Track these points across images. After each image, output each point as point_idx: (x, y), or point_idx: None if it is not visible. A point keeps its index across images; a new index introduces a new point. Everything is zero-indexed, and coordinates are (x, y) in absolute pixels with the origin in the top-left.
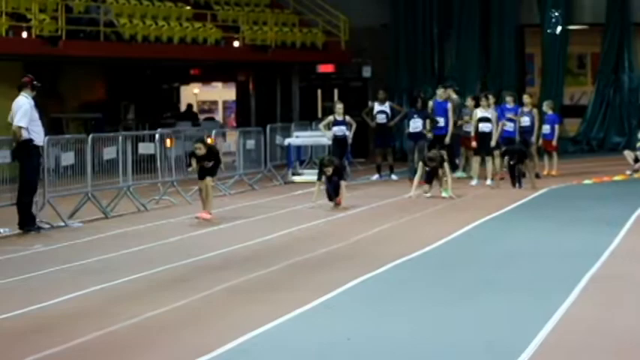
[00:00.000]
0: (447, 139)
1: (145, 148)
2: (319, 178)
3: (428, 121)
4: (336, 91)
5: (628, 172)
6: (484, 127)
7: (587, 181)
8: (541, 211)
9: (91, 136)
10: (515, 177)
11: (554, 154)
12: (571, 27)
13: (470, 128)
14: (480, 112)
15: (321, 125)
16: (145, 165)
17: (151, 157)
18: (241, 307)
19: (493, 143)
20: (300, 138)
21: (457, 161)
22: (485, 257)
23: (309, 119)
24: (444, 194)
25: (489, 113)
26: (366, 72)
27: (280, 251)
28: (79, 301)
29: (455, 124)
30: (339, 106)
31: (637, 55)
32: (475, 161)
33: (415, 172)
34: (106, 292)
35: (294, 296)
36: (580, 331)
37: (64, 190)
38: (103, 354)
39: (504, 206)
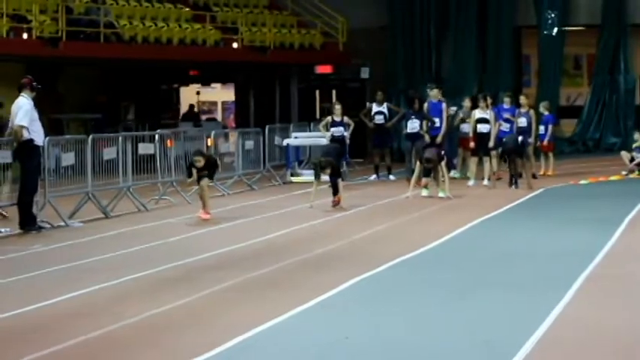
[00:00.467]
0: (440, 139)
1: (145, 149)
2: (316, 178)
3: (425, 122)
4: (334, 92)
5: (624, 173)
6: (482, 127)
7: (583, 181)
8: (538, 211)
9: (91, 136)
10: (512, 177)
11: (551, 155)
12: (567, 28)
13: (467, 129)
14: (478, 113)
15: (320, 126)
16: (144, 165)
17: (151, 158)
18: (240, 306)
19: (491, 144)
20: (298, 138)
21: (455, 161)
22: (482, 257)
23: (307, 120)
24: (440, 194)
25: (487, 114)
26: (364, 73)
27: (279, 251)
28: (79, 300)
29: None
30: (338, 107)
31: (632, 57)
32: (473, 162)
33: (413, 172)
34: (106, 291)
35: (292, 295)
36: (576, 329)
37: (65, 190)
38: (102, 353)
39: (501, 206)
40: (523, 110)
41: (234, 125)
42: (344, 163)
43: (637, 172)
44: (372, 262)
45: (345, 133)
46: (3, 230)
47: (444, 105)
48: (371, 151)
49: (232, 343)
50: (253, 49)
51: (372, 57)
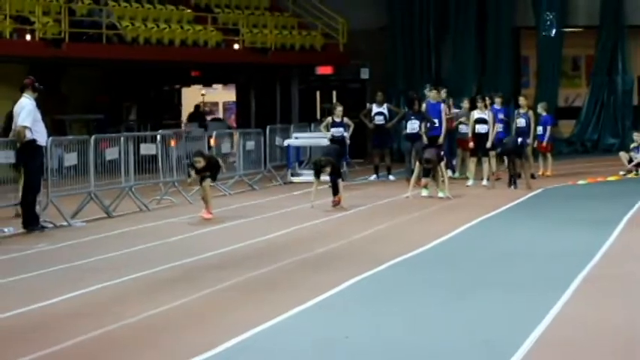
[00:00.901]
0: (441, 139)
1: (147, 149)
2: (317, 178)
3: (424, 123)
4: (334, 93)
5: (621, 173)
6: (481, 128)
7: (581, 182)
8: (536, 211)
9: (93, 136)
10: (511, 177)
11: (549, 155)
12: (566, 29)
13: (466, 130)
14: (476, 114)
15: (321, 126)
16: (146, 165)
17: (153, 158)
18: (241, 305)
19: (489, 144)
20: (299, 139)
21: (454, 162)
22: (481, 256)
23: (308, 120)
24: (440, 195)
25: (486, 115)
26: (364, 74)
27: (279, 250)
28: (81, 299)
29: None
30: (339, 109)
31: (630, 58)
32: (472, 162)
33: (412, 172)
34: (108, 290)
35: (292, 295)
36: (575, 329)
37: (67, 190)
38: (102, 353)
39: (500, 206)
40: (522, 111)
41: (235, 126)
42: (344, 163)
43: (634, 173)
44: (372, 262)
45: (345, 134)
46: (6, 230)
47: (442, 106)
48: (371, 152)
49: (232, 342)
50: (254, 51)
51: (371, 58)
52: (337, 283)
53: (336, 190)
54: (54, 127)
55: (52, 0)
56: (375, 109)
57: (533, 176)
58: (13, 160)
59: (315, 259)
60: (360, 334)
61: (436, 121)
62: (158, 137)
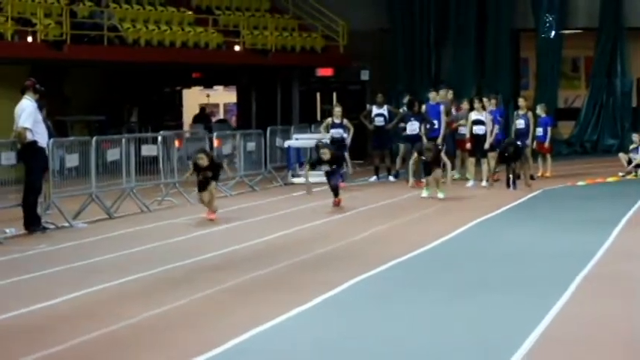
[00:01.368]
0: (440, 140)
1: (148, 150)
2: (312, 165)
3: (423, 124)
4: (334, 95)
5: (620, 174)
6: (478, 129)
7: (580, 183)
8: (536, 212)
9: (95, 138)
10: (510, 178)
11: (548, 156)
12: (565, 31)
13: (465, 131)
14: (474, 115)
15: (321, 127)
16: (147, 166)
17: (154, 159)
18: (241, 306)
19: (487, 145)
20: (299, 140)
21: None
22: (481, 257)
23: (308, 122)
24: (440, 195)
25: (483, 116)
26: (364, 75)
27: (280, 251)
28: (82, 300)
29: (449, 125)
30: (338, 110)
31: (629, 59)
32: (471, 163)
33: (413, 174)
34: (110, 291)
35: (292, 296)
36: (574, 328)
37: (69, 191)
38: (104, 353)
39: (500, 207)
40: (521, 112)
41: (235, 127)
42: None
43: (634, 174)
44: (372, 263)
45: (345, 135)
46: (8, 231)
47: (442, 107)
48: (371, 153)
49: (231, 343)
50: (255, 52)
51: (372, 59)
52: (337, 284)
53: (336, 192)
54: (55, 129)
55: (53, 2)
56: (375, 110)
57: (532, 177)
58: (14, 162)
59: (315, 260)
60: (361, 335)
61: (435, 122)
62: (159, 138)
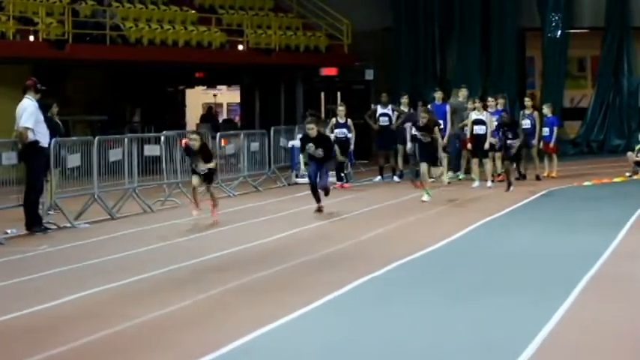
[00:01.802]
0: (444, 141)
1: (151, 150)
2: (302, 143)
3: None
4: (339, 94)
5: (627, 174)
6: (478, 129)
7: (587, 183)
8: (541, 213)
9: (97, 138)
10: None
11: (554, 156)
12: (571, 30)
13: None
14: (474, 115)
15: (327, 129)
16: (150, 167)
17: (157, 159)
18: (245, 307)
19: (487, 145)
20: None
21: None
22: (486, 258)
23: None
24: (425, 198)
25: (484, 116)
26: (369, 75)
27: (284, 252)
28: (85, 301)
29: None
30: (341, 109)
31: (636, 59)
32: (474, 163)
33: (417, 173)
34: (112, 292)
35: (297, 296)
36: (580, 331)
37: (71, 192)
38: (107, 354)
39: (505, 207)
40: (527, 112)
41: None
42: (349, 164)
43: None
44: (376, 263)
45: (349, 135)
46: (9, 231)
47: (447, 107)
48: (376, 153)
49: (236, 344)
50: (259, 52)
51: (376, 59)
52: (342, 284)
53: (325, 188)
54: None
55: (55, 1)
56: (379, 110)
57: (538, 177)
58: (15, 162)
59: (319, 261)
60: (365, 335)
61: (441, 122)
62: (162, 138)
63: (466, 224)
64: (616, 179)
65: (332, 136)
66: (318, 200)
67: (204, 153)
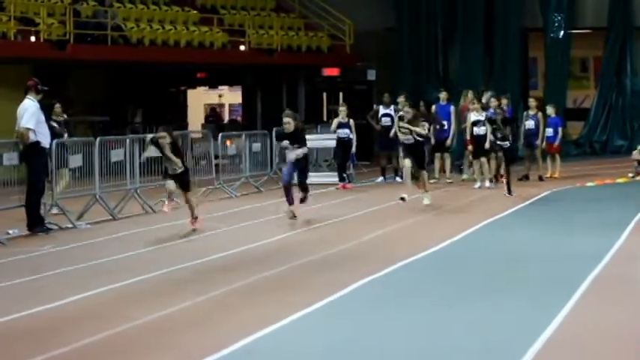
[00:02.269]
0: (449, 142)
1: (152, 151)
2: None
3: (432, 125)
4: (341, 95)
5: (630, 175)
6: (478, 130)
7: (590, 184)
8: (544, 213)
9: (98, 138)
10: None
11: (557, 157)
12: (574, 31)
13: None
14: (473, 116)
15: (331, 129)
16: (151, 167)
17: (158, 160)
18: (247, 308)
19: (487, 145)
20: None
21: (460, 163)
22: (487, 259)
23: (314, 122)
24: (425, 201)
25: (483, 116)
26: (371, 75)
27: (286, 253)
28: (86, 301)
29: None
30: (342, 109)
31: (639, 59)
32: (476, 164)
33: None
34: (114, 293)
35: (299, 297)
36: (583, 332)
37: (72, 192)
38: (109, 354)
39: (507, 208)
40: (531, 113)
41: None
42: (351, 165)
43: None
44: (380, 264)
45: (352, 136)
46: (11, 232)
47: (452, 108)
48: (378, 154)
49: (239, 344)
50: (260, 52)
51: (378, 59)
52: (344, 285)
53: (303, 185)
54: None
55: (56, 1)
56: (382, 110)
57: (541, 178)
58: (16, 162)
59: (321, 262)
60: (367, 336)
61: (445, 123)
62: None
63: (468, 225)
64: (619, 180)
65: (334, 136)
66: (290, 202)
67: (175, 152)
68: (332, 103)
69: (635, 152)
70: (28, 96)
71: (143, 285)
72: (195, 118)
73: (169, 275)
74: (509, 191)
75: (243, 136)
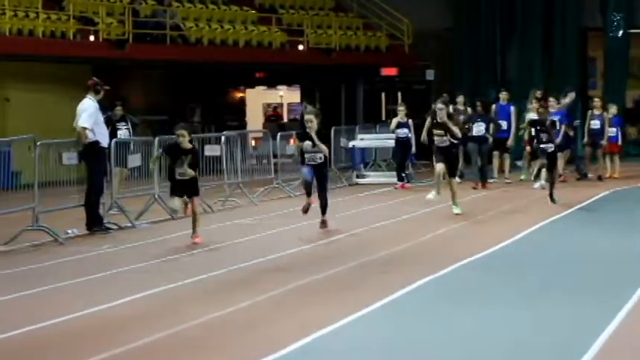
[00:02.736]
0: (510, 142)
1: (211, 150)
2: (299, 138)
3: (492, 125)
4: (399, 94)
5: None
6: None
7: None
8: (604, 214)
9: (157, 138)
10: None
11: (616, 157)
12: (633, 30)
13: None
14: (532, 117)
15: (391, 128)
16: (211, 167)
17: (217, 159)
18: (306, 307)
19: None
20: (364, 140)
21: (520, 163)
22: (547, 259)
23: (373, 122)
24: (455, 210)
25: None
26: (430, 75)
27: (344, 252)
28: (145, 301)
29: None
30: (401, 109)
31: None
32: (534, 164)
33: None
34: (172, 293)
35: (358, 297)
36: None
37: (132, 192)
38: (169, 354)
39: (566, 209)
40: (596, 112)
41: None
42: (409, 164)
43: None
44: (438, 264)
45: (410, 135)
46: (70, 231)
47: (512, 108)
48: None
49: (297, 344)
50: (319, 51)
51: (437, 59)
52: (403, 285)
53: (323, 198)
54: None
55: (115, 1)
56: None
57: (600, 178)
58: (75, 161)
59: (380, 261)
60: (426, 337)
61: (505, 123)
62: (222, 139)
63: (526, 225)
64: None
65: (393, 136)
66: (309, 194)
67: (193, 155)
68: (390, 103)
69: None
70: (87, 96)
71: (201, 285)
72: (254, 118)
73: (228, 275)
74: (552, 199)
75: None
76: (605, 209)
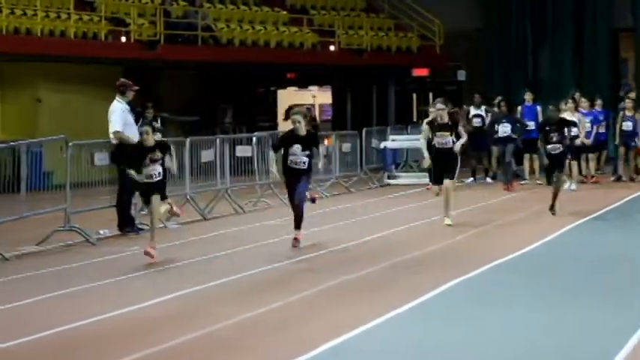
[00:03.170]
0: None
1: (243, 151)
2: (281, 142)
3: (518, 126)
4: (431, 95)
5: None
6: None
7: None
8: (635, 216)
9: (189, 138)
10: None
11: None
12: None
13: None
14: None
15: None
16: (242, 167)
17: (249, 160)
18: (337, 308)
19: (579, 142)
20: (395, 141)
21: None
22: (578, 261)
23: (404, 123)
24: (447, 221)
25: (575, 118)
26: (461, 76)
27: (376, 253)
28: (176, 302)
29: None
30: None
31: None
32: (573, 165)
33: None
34: (203, 293)
35: (389, 298)
36: None
37: None
38: (201, 354)
39: (597, 210)
40: (628, 114)
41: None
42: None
43: None
44: (469, 265)
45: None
46: (102, 232)
47: (539, 108)
48: (468, 154)
49: (327, 345)
50: (350, 52)
51: (468, 59)
52: (433, 286)
53: (298, 223)
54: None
55: (147, 2)
56: (472, 111)
57: (632, 179)
58: (107, 162)
59: (411, 262)
60: (456, 338)
61: (532, 123)
62: (254, 139)
63: (557, 227)
64: None
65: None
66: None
67: (162, 150)
68: (422, 104)
69: None
70: (117, 97)
71: (232, 285)
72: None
73: (259, 275)
74: (552, 208)
75: (334, 137)
76: (636, 211)
